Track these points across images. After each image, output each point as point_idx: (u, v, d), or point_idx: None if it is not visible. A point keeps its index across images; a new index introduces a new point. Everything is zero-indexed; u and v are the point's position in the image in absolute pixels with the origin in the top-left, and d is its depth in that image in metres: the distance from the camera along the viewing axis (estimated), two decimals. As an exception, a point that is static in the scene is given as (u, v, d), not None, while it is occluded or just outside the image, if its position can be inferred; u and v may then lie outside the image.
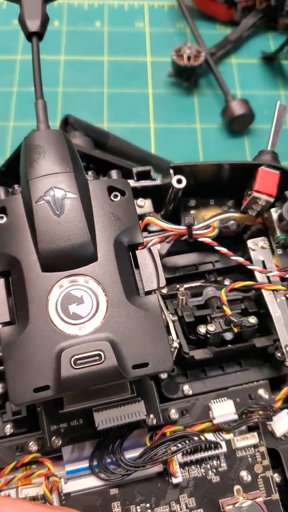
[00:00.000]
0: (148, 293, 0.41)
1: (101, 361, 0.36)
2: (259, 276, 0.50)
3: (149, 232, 0.52)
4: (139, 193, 0.51)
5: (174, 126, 0.84)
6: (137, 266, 0.42)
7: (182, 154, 0.81)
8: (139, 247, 0.43)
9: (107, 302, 0.39)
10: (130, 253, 0.43)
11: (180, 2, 0.92)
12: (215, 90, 0.87)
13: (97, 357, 0.36)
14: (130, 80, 0.88)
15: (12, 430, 0.46)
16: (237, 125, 0.82)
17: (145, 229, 0.52)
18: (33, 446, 0.45)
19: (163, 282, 0.41)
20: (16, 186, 0.45)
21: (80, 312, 0.38)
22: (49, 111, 0.77)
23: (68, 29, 0.93)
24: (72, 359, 0.36)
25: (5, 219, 0.41)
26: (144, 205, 0.52)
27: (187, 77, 0.85)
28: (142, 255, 0.42)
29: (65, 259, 0.39)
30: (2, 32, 0.91)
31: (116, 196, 0.43)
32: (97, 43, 0.92)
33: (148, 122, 0.84)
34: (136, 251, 0.42)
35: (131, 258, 0.43)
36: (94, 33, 0.93)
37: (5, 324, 0.39)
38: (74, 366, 0.36)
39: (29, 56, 0.89)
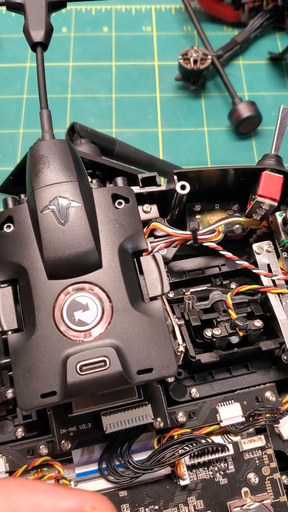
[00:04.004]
0: (153, 299, 0.42)
1: (106, 367, 0.37)
2: (264, 280, 0.50)
3: (155, 237, 0.52)
4: (144, 198, 0.52)
5: (182, 130, 0.84)
6: (141, 272, 0.43)
7: (190, 157, 0.81)
8: (144, 253, 0.44)
9: (112, 309, 0.40)
10: (135, 259, 0.44)
11: (186, 5, 0.92)
12: (222, 92, 0.88)
13: (102, 363, 0.37)
14: (138, 85, 0.88)
15: (23, 434, 0.47)
16: (245, 127, 0.82)
17: (151, 234, 0.52)
18: (43, 449, 0.46)
19: (167, 288, 0.42)
20: (22, 196, 0.46)
21: (85, 319, 0.39)
22: (58, 118, 0.78)
23: (76, 35, 0.94)
24: (78, 365, 0.37)
25: (12, 228, 0.43)
26: (150, 210, 0.52)
27: (194, 80, 0.85)
28: (146, 261, 0.43)
29: (70, 267, 0.40)
30: (11, 40, 0.92)
31: (120, 203, 0.44)
32: (105, 48, 0.92)
33: (156, 126, 0.84)
34: (141, 258, 0.43)
35: (136, 264, 0.43)
36: (102, 39, 0.93)
37: (13, 331, 0.40)
38: (79, 372, 0.37)
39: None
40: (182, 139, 0.83)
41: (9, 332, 0.41)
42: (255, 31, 0.92)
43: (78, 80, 0.88)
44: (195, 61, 0.82)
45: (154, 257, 0.43)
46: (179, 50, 0.84)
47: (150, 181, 0.52)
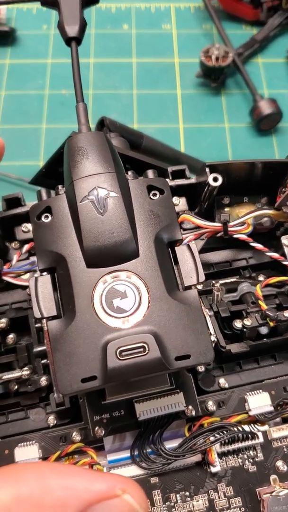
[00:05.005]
0: (188, 288, 0.43)
1: (145, 352, 0.38)
2: (293, 272, 0.51)
3: (184, 229, 0.53)
4: (174, 191, 0.53)
5: (203, 126, 0.85)
6: (176, 262, 0.44)
7: (211, 153, 0.82)
8: (177, 244, 0.45)
9: (149, 297, 0.41)
10: (169, 249, 0.44)
11: (206, 3, 0.93)
12: (242, 90, 0.88)
13: (141, 349, 0.38)
14: (158, 81, 0.89)
15: (55, 421, 0.48)
16: (265, 124, 0.83)
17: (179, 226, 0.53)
18: (76, 436, 0.47)
19: (202, 277, 0.43)
20: (60, 187, 0.47)
21: (124, 306, 0.40)
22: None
23: (97, 32, 0.95)
24: (118, 351, 0.38)
25: (50, 218, 0.43)
26: (179, 203, 0.53)
27: (215, 77, 0.86)
28: (181, 251, 0.44)
29: (109, 256, 0.41)
30: (33, 37, 0.93)
31: (155, 194, 0.45)
32: (125, 46, 0.93)
33: (177, 122, 0.85)
34: (176, 247, 0.44)
35: (171, 254, 0.44)
36: (122, 36, 0.95)
37: (52, 318, 0.41)
38: (119, 357, 0.38)
39: (59, 60, 0.91)
40: (203, 135, 0.84)
41: (44, 321, 0.41)
42: (274, 30, 0.93)
43: (99, 77, 0.89)
44: (217, 59, 0.83)
45: (189, 247, 0.44)
46: (199, 48, 0.85)
47: (180, 174, 0.53)
